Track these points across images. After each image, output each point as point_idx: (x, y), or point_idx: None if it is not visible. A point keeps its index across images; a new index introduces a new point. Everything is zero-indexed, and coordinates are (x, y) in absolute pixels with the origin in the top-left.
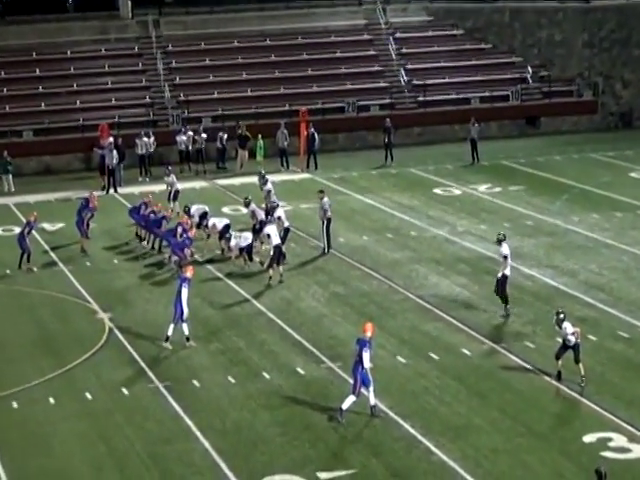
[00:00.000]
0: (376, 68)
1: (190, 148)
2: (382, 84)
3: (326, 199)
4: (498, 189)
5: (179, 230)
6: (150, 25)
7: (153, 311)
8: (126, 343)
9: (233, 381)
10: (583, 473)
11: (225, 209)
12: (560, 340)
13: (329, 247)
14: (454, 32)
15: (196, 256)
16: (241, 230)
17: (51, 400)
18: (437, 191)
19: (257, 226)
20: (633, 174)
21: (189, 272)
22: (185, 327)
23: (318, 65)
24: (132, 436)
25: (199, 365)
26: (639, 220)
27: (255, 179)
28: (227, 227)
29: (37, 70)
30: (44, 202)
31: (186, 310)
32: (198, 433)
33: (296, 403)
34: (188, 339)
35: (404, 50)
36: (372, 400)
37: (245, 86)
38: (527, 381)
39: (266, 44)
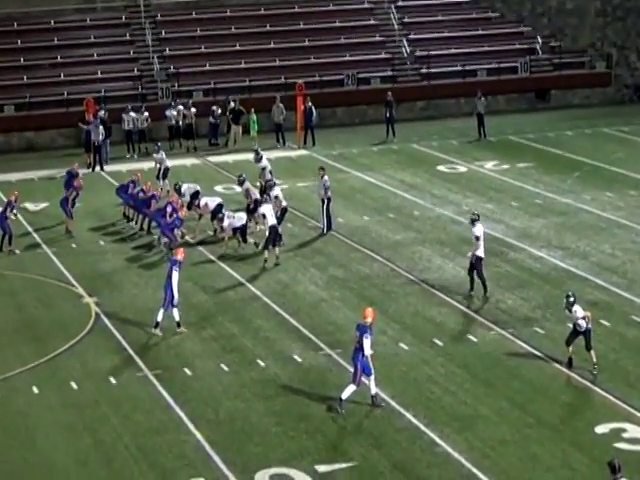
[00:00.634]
0: (377, 38)
1: (180, 123)
2: (383, 55)
3: (326, 177)
4: (506, 166)
5: (168, 210)
6: None
7: (142, 295)
8: (113, 329)
9: (226, 369)
10: (595, 465)
11: (218, 187)
12: (570, 325)
13: (328, 228)
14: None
15: (187, 237)
16: (235, 210)
17: (34, 389)
18: (441, 168)
19: (251, 205)
20: None
21: (180, 254)
22: (175, 312)
23: (316, 35)
24: (120, 427)
25: (190, 352)
26: None
27: (249, 156)
28: (220, 207)
29: (18, 41)
30: (26, 180)
31: (176, 295)
32: (189, 424)
33: (293, 392)
34: (179, 325)
35: (406, 19)
36: (373, 389)
37: (238, 58)
38: (536, 369)
39: (261, 13)
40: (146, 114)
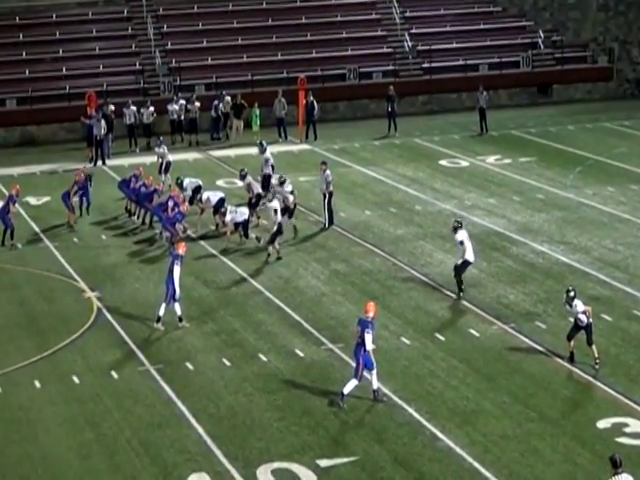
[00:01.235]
0: (379, 33)
1: (182, 118)
2: (385, 50)
3: (328, 171)
4: (508, 160)
5: (170, 204)
6: None
7: (144, 290)
8: (115, 324)
9: (228, 363)
10: (597, 460)
11: (220, 182)
12: (572, 320)
13: (330, 222)
14: None
15: (189, 232)
16: (237, 205)
17: (36, 384)
18: (443, 163)
19: (253, 200)
20: None
21: (181, 249)
22: (177, 307)
23: (318, 30)
24: (121, 422)
25: (192, 347)
26: None
27: (251, 150)
28: (222, 201)
29: (20, 35)
30: (28, 175)
31: (178, 289)
32: (191, 418)
33: (295, 387)
34: (181, 319)
35: (408, 13)
36: (375, 384)
37: (241, 52)
38: (538, 363)
39: (263, 7)
40: (152, 109)
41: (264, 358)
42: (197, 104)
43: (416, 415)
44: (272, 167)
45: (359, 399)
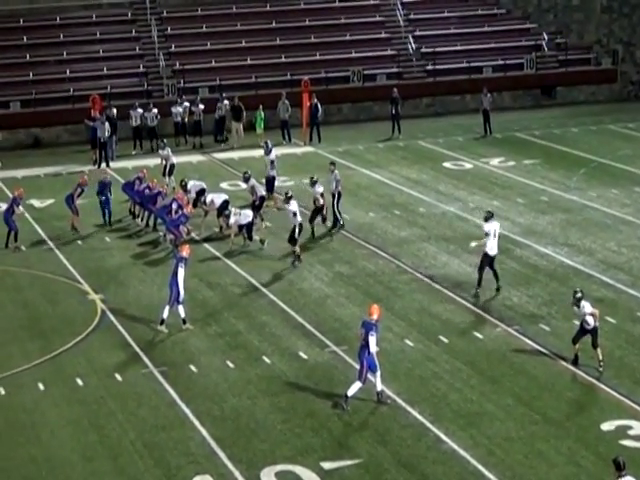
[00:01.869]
0: (383, 35)
1: (186, 120)
2: (389, 52)
3: (337, 172)
4: (512, 163)
5: (174, 206)
6: None
7: (147, 292)
8: (119, 326)
9: (232, 366)
10: (601, 462)
11: (223, 184)
12: (577, 322)
13: (334, 224)
14: None
15: (193, 234)
16: (241, 207)
17: (40, 386)
18: (447, 165)
19: (257, 202)
20: None
21: (185, 251)
22: (181, 309)
23: (321, 32)
24: (125, 424)
25: (196, 349)
26: None
27: (254, 153)
28: (226, 203)
29: (24, 38)
30: (32, 177)
31: (182, 291)
32: (195, 420)
33: (298, 389)
34: (184, 322)
35: (412, 16)
36: (379, 386)
37: (244, 54)
38: (542, 366)
39: (266, 10)
40: (155, 111)
41: (268, 360)
42: (201, 106)
43: (420, 417)
44: (274, 167)
45: (363, 401)
